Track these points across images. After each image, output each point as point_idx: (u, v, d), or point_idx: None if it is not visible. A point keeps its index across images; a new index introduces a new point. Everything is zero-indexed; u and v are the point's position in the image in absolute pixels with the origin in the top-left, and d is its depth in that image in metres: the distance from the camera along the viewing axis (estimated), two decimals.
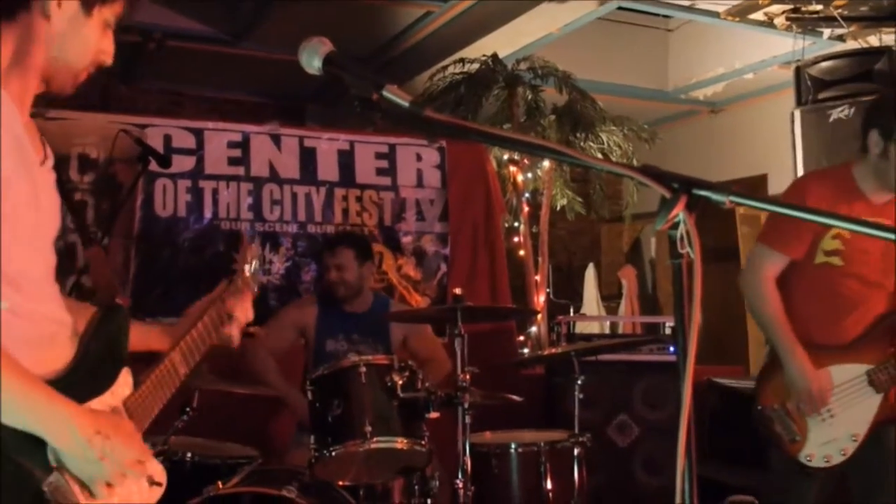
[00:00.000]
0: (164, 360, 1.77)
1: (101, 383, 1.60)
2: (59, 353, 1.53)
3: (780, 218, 2.78)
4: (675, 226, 1.11)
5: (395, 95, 1.34)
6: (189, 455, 2.99)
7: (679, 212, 1.10)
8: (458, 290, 3.10)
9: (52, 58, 1.52)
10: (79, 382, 1.53)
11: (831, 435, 2.77)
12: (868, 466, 2.80)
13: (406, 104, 1.33)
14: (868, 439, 2.77)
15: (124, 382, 1.66)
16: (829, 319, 2.84)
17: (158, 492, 1.65)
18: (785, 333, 2.79)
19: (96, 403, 1.56)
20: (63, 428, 1.41)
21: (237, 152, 4.50)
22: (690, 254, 1.10)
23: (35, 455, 1.41)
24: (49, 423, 1.40)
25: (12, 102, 1.43)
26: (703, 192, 1.12)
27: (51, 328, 1.52)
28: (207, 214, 4.40)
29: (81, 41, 1.55)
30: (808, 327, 2.82)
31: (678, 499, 1.05)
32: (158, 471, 1.66)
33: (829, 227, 2.73)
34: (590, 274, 8.48)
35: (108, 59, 1.61)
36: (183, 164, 4.36)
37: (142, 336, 1.80)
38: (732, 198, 1.12)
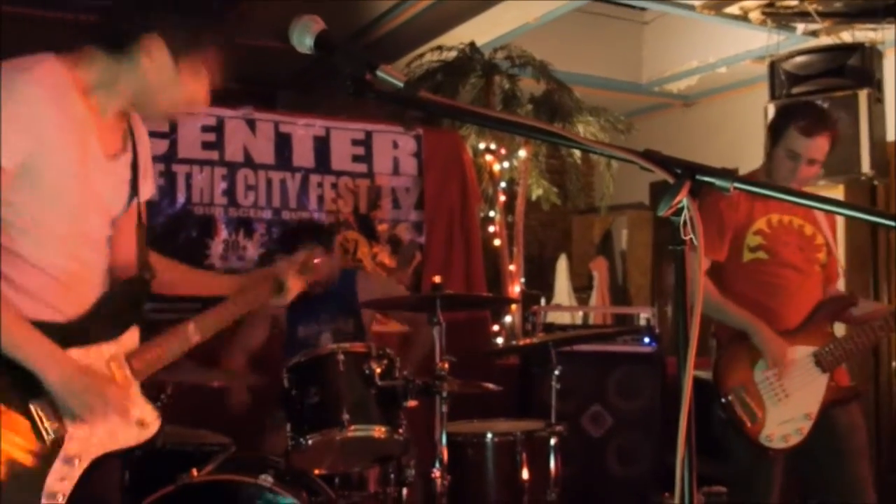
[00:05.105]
0: (181, 326, 2.09)
1: (110, 332, 1.95)
2: (79, 299, 1.90)
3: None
4: (678, 212, 1.09)
5: (389, 75, 1.32)
6: (162, 442, 2.94)
7: (683, 198, 1.09)
8: (437, 279, 3.07)
9: (138, 94, 1.90)
10: (90, 327, 1.91)
11: (787, 414, 2.94)
12: (820, 450, 2.97)
13: (401, 84, 1.30)
14: (817, 424, 2.95)
15: (131, 338, 2.00)
16: (770, 309, 3.01)
17: (146, 433, 2.01)
18: (739, 310, 2.98)
19: (103, 347, 1.93)
20: (48, 364, 1.77)
21: (211, 136, 4.43)
22: (694, 240, 1.08)
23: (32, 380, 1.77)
24: (36, 359, 1.76)
25: (80, 103, 1.82)
26: (706, 178, 1.10)
27: (66, 277, 1.86)
28: (180, 199, 4.33)
29: (168, 88, 1.89)
30: None
31: (678, 487, 1.04)
32: (149, 414, 2.02)
33: (752, 222, 3.03)
34: (562, 265, 8.49)
35: (200, 105, 1.99)
36: (156, 147, 4.23)
37: (203, 280, 2.36)
38: (736, 184, 1.10)
